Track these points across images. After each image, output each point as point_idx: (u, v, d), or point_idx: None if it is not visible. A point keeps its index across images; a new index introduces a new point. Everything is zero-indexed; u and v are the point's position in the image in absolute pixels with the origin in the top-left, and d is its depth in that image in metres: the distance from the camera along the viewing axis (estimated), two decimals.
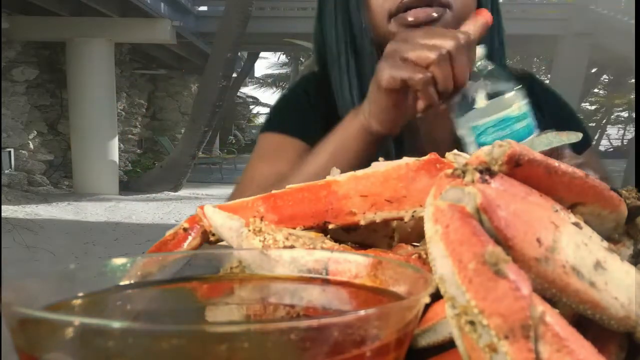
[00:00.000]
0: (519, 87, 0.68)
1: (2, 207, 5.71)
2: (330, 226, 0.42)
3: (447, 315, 0.24)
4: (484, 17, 0.69)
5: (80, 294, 0.29)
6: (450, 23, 0.75)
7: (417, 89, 0.65)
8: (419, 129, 0.87)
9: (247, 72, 13.67)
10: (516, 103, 0.67)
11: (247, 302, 0.33)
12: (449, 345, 0.29)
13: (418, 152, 0.85)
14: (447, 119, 0.86)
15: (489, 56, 0.72)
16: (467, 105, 0.69)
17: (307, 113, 0.77)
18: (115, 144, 8.18)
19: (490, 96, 0.68)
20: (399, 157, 0.83)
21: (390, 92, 0.66)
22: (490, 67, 0.70)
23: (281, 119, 0.93)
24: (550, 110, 0.92)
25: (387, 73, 0.65)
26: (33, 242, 4.67)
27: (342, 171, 0.73)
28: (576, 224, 0.29)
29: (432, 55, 0.63)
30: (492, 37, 0.84)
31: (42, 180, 7.84)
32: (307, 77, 0.96)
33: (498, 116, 0.67)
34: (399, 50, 0.65)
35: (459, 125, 0.70)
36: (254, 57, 13.79)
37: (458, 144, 0.72)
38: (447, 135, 0.85)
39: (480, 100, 0.68)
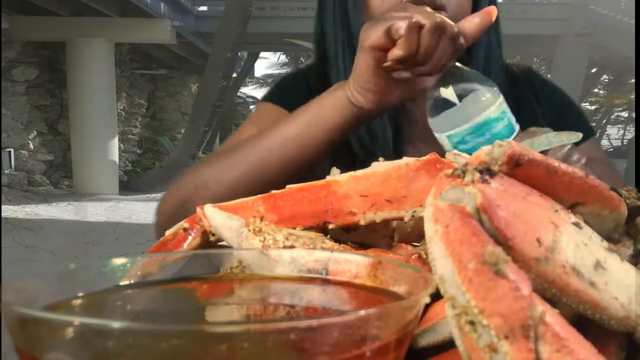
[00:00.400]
0: (495, 87, 0.66)
1: (2, 207, 5.71)
2: (330, 226, 0.42)
3: (447, 315, 0.24)
4: (489, 12, 0.67)
5: (80, 294, 0.29)
6: None
7: (398, 37, 0.63)
8: (418, 121, 0.87)
9: (247, 72, 13.65)
10: (494, 104, 0.65)
11: (247, 302, 0.33)
12: (449, 345, 0.29)
13: (417, 145, 0.85)
14: None
15: (486, 57, 0.70)
16: (441, 110, 0.66)
17: (306, 97, 0.77)
18: (115, 144, 8.17)
19: (466, 100, 0.65)
20: (398, 148, 0.84)
21: (373, 50, 0.64)
22: (464, 70, 0.68)
23: (281, 93, 0.94)
24: (550, 104, 0.92)
25: (370, 29, 0.64)
26: (33, 242, 4.67)
27: (318, 140, 0.73)
28: (576, 224, 0.29)
29: (421, 18, 0.61)
30: (490, 37, 0.84)
31: (42, 180, 7.84)
32: (310, 67, 0.97)
33: (477, 121, 0.64)
34: (386, 14, 0.65)
35: (435, 131, 0.68)
36: (254, 57, 13.78)
37: None
38: None
39: (456, 106, 0.65)
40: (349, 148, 0.84)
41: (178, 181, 0.84)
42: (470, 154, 0.33)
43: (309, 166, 0.74)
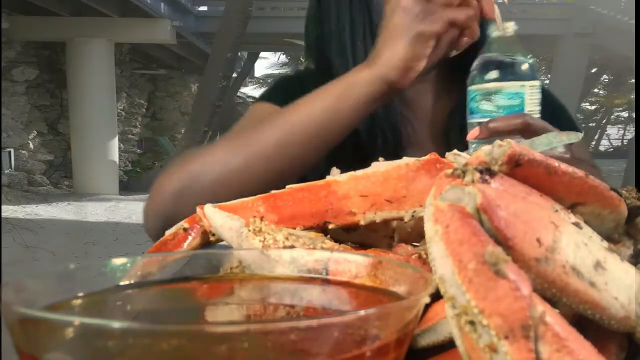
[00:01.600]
0: (530, 59, 0.72)
1: (2, 207, 5.71)
2: (330, 226, 0.42)
3: (447, 315, 0.24)
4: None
5: (80, 294, 0.29)
6: None
7: (465, 27, 0.68)
8: (416, 129, 0.86)
9: (247, 72, 13.63)
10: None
11: (247, 302, 0.33)
12: (449, 345, 0.29)
13: (416, 145, 0.85)
14: (445, 112, 0.85)
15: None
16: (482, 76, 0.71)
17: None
18: (115, 144, 8.18)
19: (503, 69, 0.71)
20: (397, 149, 0.84)
21: (429, 38, 0.67)
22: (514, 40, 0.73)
23: (277, 92, 0.93)
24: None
25: (427, 20, 0.66)
26: (33, 242, 4.67)
27: (347, 116, 0.71)
28: (576, 224, 0.29)
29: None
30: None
31: (42, 180, 7.84)
32: (306, 73, 0.96)
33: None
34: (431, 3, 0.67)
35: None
36: (254, 57, 13.77)
37: (456, 138, 0.72)
38: (445, 128, 0.85)
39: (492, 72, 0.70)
40: (349, 148, 0.84)
41: (165, 174, 0.75)
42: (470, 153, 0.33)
43: (332, 146, 0.72)
